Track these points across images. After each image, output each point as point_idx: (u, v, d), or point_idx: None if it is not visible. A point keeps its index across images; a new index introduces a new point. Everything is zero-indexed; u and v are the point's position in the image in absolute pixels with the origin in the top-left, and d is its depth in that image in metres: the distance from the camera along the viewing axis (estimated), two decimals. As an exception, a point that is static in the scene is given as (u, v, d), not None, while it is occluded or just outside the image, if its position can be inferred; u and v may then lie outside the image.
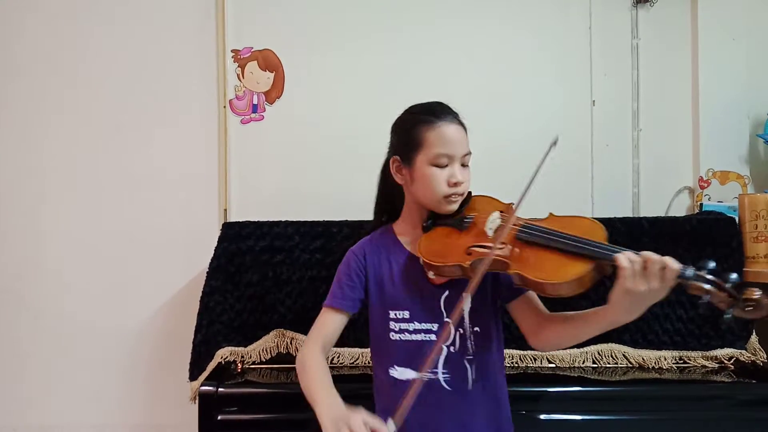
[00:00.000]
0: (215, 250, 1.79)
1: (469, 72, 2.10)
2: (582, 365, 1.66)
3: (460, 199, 1.17)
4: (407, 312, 1.15)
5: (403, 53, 2.09)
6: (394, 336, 1.16)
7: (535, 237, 1.07)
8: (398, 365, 1.14)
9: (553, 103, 2.10)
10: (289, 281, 1.73)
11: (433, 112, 1.17)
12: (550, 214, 1.15)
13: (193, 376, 1.69)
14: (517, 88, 2.12)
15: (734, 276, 0.87)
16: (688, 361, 1.67)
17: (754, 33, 2.06)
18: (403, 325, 1.15)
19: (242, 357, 1.68)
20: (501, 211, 1.16)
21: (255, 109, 2.10)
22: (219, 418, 1.48)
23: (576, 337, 1.09)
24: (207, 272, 1.77)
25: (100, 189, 2.09)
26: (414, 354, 1.12)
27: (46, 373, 2.08)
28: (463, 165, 1.17)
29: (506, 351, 1.65)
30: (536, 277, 1.01)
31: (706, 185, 2.04)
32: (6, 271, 2.09)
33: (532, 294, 1.14)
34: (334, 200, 1.99)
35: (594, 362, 1.66)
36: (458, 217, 1.17)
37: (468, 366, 1.13)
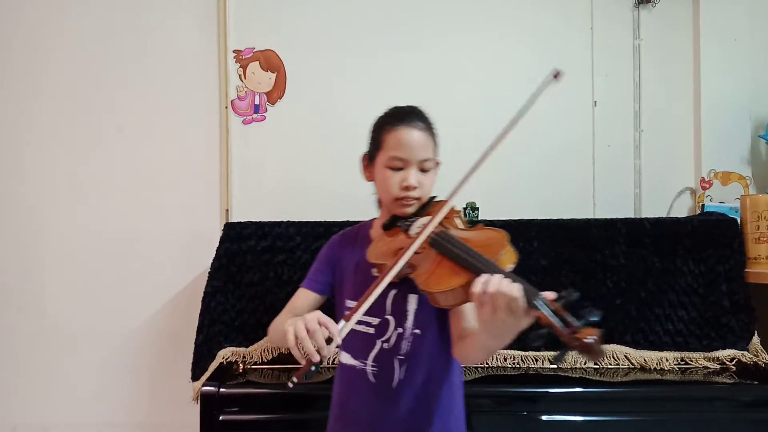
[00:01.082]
0: (217, 251, 1.79)
1: (470, 72, 2.10)
2: (584, 366, 1.66)
3: (415, 203, 1.18)
4: (356, 303, 1.17)
5: (404, 53, 2.09)
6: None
7: (441, 245, 1.05)
8: (344, 350, 1.20)
9: (555, 103, 2.10)
10: (291, 281, 1.73)
11: (398, 116, 1.19)
12: (480, 225, 1.15)
13: (194, 376, 1.69)
14: (517, 89, 2.12)
15: (594, 318, 0.81)
16: (690, 362, 1.66)
17: (756, 33, 2.06)
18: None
19: (244, 357, 1.69)
20: (431, 217, 1.13)
21: (257, 109, 2.10)
22: (221, 418, 1.49)
23: (473, 355, 1.06)
24: (209, 272, 1.77)
25: (101, 189, 2.09)
26: (353, 343, 1.17)
27: (47, 373, 2.09)
28: (423, 170, 1.17)
29: (508, 352, 1.66)
30: (422, 284, 1.00)
31: (707, 186, 2.04)
32: (7, 271, 2.09)
33: (466, 306, 1.09)
34: (335, 200, 1.99)
35: (595, 363, 1.66)
36: (411, 219, 1.18)
37: (397, 365, 1.14)
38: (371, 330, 1.16)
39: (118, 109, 2.10)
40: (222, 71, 2.08)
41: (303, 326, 0.95)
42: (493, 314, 0.86)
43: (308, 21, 2.10)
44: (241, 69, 2.09)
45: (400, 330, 1.15)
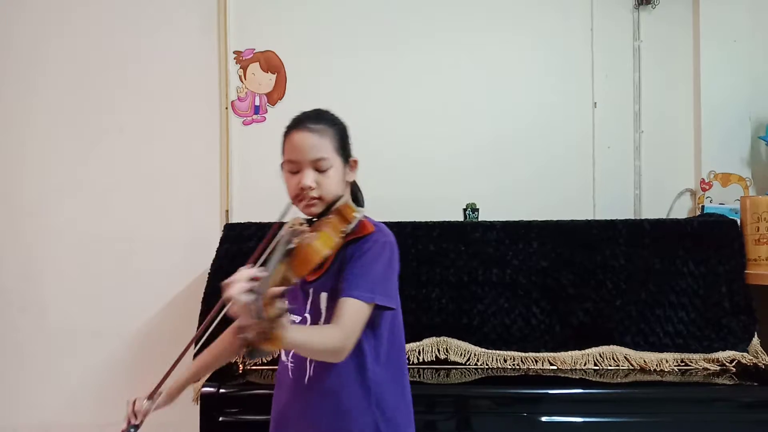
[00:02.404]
0: (217, 251, 1.79)
1: (471, 72, 2.11)
2: (584, 367, 1.65)
3: (317, 203, 1.18)
4: (288, 302, 1.18)
5: (404, 54, 2.10)
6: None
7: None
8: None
9: (555, 104, 2.11)
10: (291, 282, 1.72)
11: (292, 122, 1.23)
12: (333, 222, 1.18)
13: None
14: (518, 89, 2.12)
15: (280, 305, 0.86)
16: (690, 364, 1.66)
17: (756, 35, 2.06)
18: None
19: (243, 358, 1.68)
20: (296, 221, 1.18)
21: (257, 110, 2.10)
22: (220, 419, 1.49)
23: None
24: (209, 273, 1.77)
25: (102, 190, 2.09)
26: None
27: (47, 373, 2.09)
28: (319, 170, 1.18)
29: (508, 353, 1.66)
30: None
31: (707, 187, 2.04)
32: (7, 271, 2.10)
33: (341, 300, 1.10)
34: (335, 201, 1.99)
35: (595, 364, 1.66)
36: (314, 220, 1.20)
37: (308, 362, 1.15)
38: None
39: (119, 109, 2.10)
40: (222, 72, 2.08)
41: (237, 285, 0.94)
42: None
43: (308, 22, 2.10)
44: (242, 70, 2.09)
45: None
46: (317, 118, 1.22)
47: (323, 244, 1.09)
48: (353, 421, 1.15)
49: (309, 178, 1.17)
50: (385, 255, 1.14)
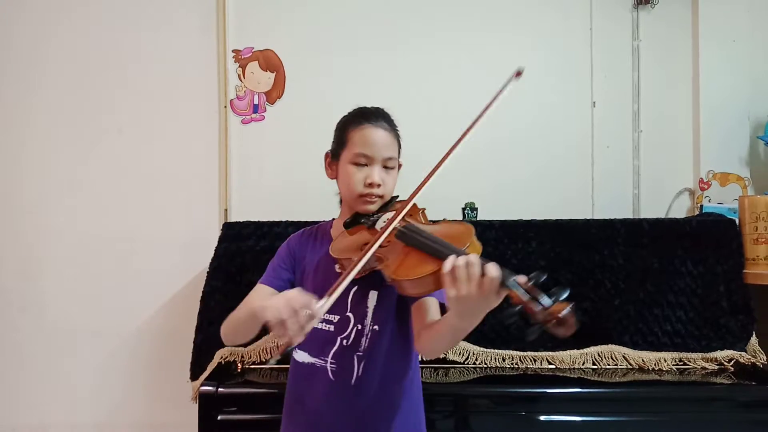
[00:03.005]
0: (216, 250, 1.79)
1: (470, 72, 2.10)
2: (582, 366, 1.66)
3: (378, 201, 1.19)
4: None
5: (404, 53, 2.10)
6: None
7: (407, 237, 1.06)
8: (300, 349, 1.19)
9: (554, 103, 2.11)
10: (290, 281, 1.72)
11: (364, 115, 1.22)
12: (444, 219, 1.16)
13: (193, 376, 1.69)
14: (517, 89, 2.11)
15: (564, 294, 0.84)
16: (688, 363, 1.67)
17: (755, 35, 2.06)
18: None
19: (242, 357, 1.68)
20: (395, 212, 1.15)
21: (256, 109, 2.10)
22: (219, 417, 1.48)
23: (438, 343, 1.05)
24: (207, 272, 1.77)
25: (101, 189, 2.09)
26: (313, 341, 1.16)
27: (47, 372, 2.09)
28: (386, 168, 1.20)
29: (506, 352, 1.66)
30: (392, 274, 1.01)
31: (706, 187, 2.04)
32: (7, 270, 2.09)
33: (429, 300, 1.11)
34: (334, 200, 1.98)
35: (594, 363, 1.66)
36: (374, 216, 1.19)
37: (356, 362, 1.14)
38: (331, 327, 1.17)
39: (118, 108, 2.10)
40: (221, 71, 2.08)
41: (286, 306, 0.92)
42: (467, 291, 0.87)
43: (307, 21, 2.10)
44: (240, 69, 2.09)
45: (359, 327, 1.16)
46: (386, 117, 1.23)
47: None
48: (402, 418, 1.16)
49: (379, 175, 1.18)
50: None
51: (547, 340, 1.69)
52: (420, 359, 1.63)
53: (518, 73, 1.11)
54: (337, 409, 1.15)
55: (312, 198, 2.05)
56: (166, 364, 2.06)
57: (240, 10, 2.09)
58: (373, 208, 1.19)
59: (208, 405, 1.49)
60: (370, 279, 1.12)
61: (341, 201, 1.30)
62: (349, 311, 1.16)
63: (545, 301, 0.83)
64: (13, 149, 2.10)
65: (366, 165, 1.18)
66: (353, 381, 1.14)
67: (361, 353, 1.15)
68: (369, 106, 1.25)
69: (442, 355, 1.66)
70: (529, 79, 2.10)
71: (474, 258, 0.88)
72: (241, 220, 1.83)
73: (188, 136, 2.09)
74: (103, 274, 2.08)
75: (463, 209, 1.94)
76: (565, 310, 0.81)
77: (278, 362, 1.68)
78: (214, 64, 2.08)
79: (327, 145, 2.06)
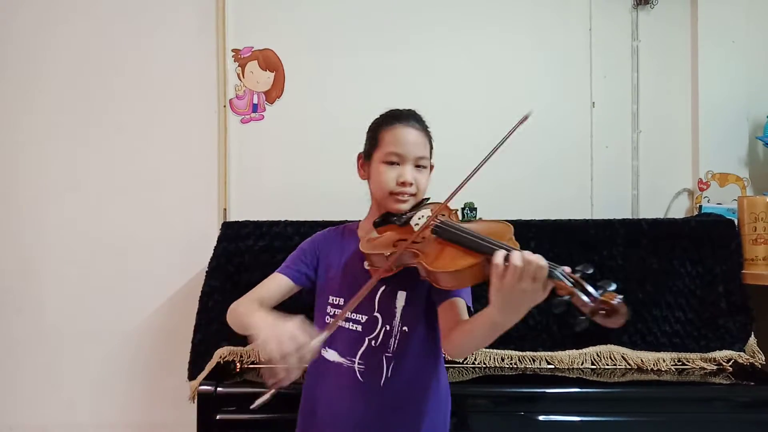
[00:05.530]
0: (215, 250, 1.79)
1: (470, 72, 2.11)
2: (581, 366, 1.66)
3: (410, 200, 1.20)
4: (342, 299, 1.20)
5: (404, 53, 2.09)
6: (328, 320, 1.20)
7: (446, 232, 1.07)
8: (330, 347, 1.18)
9: (553, 104, 2.11)
10: (289, 281, 1.72)
11: (395, 116, 1.23)
12: (480, 219, 1.16)
13: (192, 376, 1.69)
14: (517, 89, 2.12)
15: (612, 287, 0.85)
16: (687, 363, 1.67)
17: (754, 35, 2.07)
18: (337, 311, 1.19)
19: (241, 356, 1.68)
20: (432, 210, 1.17)
21: (255, 108, 2.10)
22: (218, 417, 1.48)
23: (472, 340, 1.04)
24: (206, 272, 1.77)
25: (100, 188, 2.09)
26: (341, 341, 1.17)
27: (45, 373, 2.08)
28: (418, 168, 1.21)
29: (505, 351, 1.66)
30: (429, 266, 1.01)
31: (705, 187, 2.04)
32: (6, 270, 2.09)
33: (458, 300, 1.11)
34: (333, 200, 1.99)
35: (593, 363, 1.66)
36: (404, 216, 1.20)
37: (385, 363, 1.14)
38: (359, 327, 1.17)
39: (117, 107, 2.09)
40: (220, 70, 2.08)
41: (291, 341, 0.90)
42: (516, 283, 0.87)
43: (307, 20, 2.10)
44: (240, 68, 2.09)
45: (387, 327, 1.15)
46: (418, 119, 1.25)
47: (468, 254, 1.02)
48: (430, 419, 1.16)
49: (411, 173, 1.19)
50: None
51: (546, 340, 1.70)
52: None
53: (525, 118, 1.15)
54: (365, 410, 1.14)
55: (312, 198, 2.06)
56: (164, 364, 2.05)
57: (239, 9, 2.09)
58: (404, 207, 1.19)
59: (206, 404, 1.49)
60: (399, 279, 1.11)
61: (372, 202, 1.29)
62: (377, 311, 1.16)
63: (593, 291, 0.85)
64: (12, 149, 2.10)
65: (398, 164, 1.19)
66: (382, 382, 1.14)
67: (390, 354, 1.14)
68: (401, 108, 1.26)
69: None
70: (528, 79, 2.12)
71: (526, 253, 0.89)
72: (240, 220, 1.83)
73: (187, 136, 2.09)
74: (102, 273, 2.07)
75: (462, 209, 1.93)
76: (617, 299, 0.82)
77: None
78: (214, 63, 2.08)
79: (326, 144, 2.09)
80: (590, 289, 0.85)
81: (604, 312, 0.82)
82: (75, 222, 2.08)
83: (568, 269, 0.88)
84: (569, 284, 0.86)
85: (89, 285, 2.07)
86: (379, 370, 1.14)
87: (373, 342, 1.15)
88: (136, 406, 2.08)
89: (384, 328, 1.15)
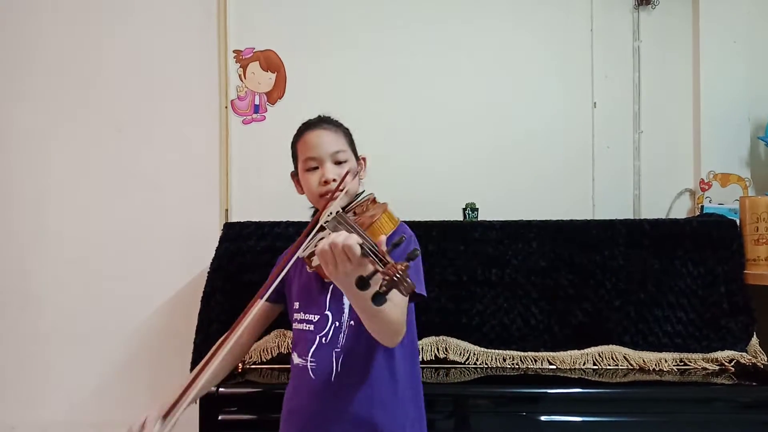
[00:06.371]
0: (216, 250, 1.79)
1: (471, 73, 2.11)
2: (582, 367, 1.66)
3: (338, 194, 1.20)
4: (298, 303, 1.24)
5: (404, 55, 2.09)
6: (294, 324, 1.25)
7: (333, 227, 1.07)
8: (293, 350, 1.23)
9: (555, 104, 2.11)
10: (290, 281, 1.72)
11: (305, 126, 1.29)
12: (385, 205, 1.17)
13: (193, 376, 1.69)
14: (518, 90, 2.12)
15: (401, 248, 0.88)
16: (689, 363, 1.67)
17: (755, 35, 2.07)
18: (297, 315, 1.24)
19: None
20: (342, 208, 1.17)
21: (257, 109, 2.10)
22: (220, 417, 1.48)
23: (368, 327, 1.07)
24: (208, 272, 1.77)
25: (101, 189, 2.09)
26: (298, 342, 1.21)
27: (45, 372, 2.09)
28: (339, 163, 1.23)
29: (507, 352, 1.66)
30: (313, 264, 1.04)
31: (707, 187, 2.04)
32: (7, 270, 2.09)
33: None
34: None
35: (594, 364, 1.66)
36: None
37: (334, 358, 1.15)
38: (312, 327, 1.19)
39: (118, 108, 2.10)
40: (222, 71, 2.08)
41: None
42: (334, 268, 0.92)
43: (308, 21, 2.10)
44: (241, 69, 2.09)
45: (337, 323, 1.18)
46: (327, 119, 1.29)
47: (389, 219, 1.09)
48: (389, 412, 1.16)
49: (331, 170, 1.21)
50: (416, 246, 1.19)
51: (548, 340, 1.70)
52: (421, 358, 1.64)
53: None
54: (323, 408, 1.15)
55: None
56: (166, 364, 2.05)
57: (241, 10, 2.09)
58: (339, 204, 1.19)
59: (208, 405, 1.49)
60: None
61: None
62: (327, 309, 1.19)
63: (388, 259, 0.87)
64: (12, 148, 2.10)
65: (317, 168, 1.23)
66: (333, 378, 1.15)
67: (339, 349, 1.16)
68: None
69: (442, 355, 1.67)
70: (529, 80, 2.12)
71: (335, 236, 0.92)
72: (241, 221, 1.83)
73: (189, 136, 2.09)
74: (103, 274, 2.08)
75: (464, 210, 1.94)
76: (402, 266, 0.83)
77: (278, 362, 1.68)
78: (215, 64, 2.08)
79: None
80: (388, 258, 0.87)
81: (386, 281, 0.83)
82: (76, 222, 2.09)
83: (383, 246, 0.90)
84: (373, 259, 0.88)
85: (90, 285, 2.08)
86: (329, 366, 1.15)
87: (323, 339, 1.17)
88: (138, 406, 2.07)
89: (334, 325, 1.18)
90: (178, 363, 1.84)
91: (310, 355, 1.17)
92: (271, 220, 1.81)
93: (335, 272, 0.93)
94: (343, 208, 1.19)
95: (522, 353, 1.67)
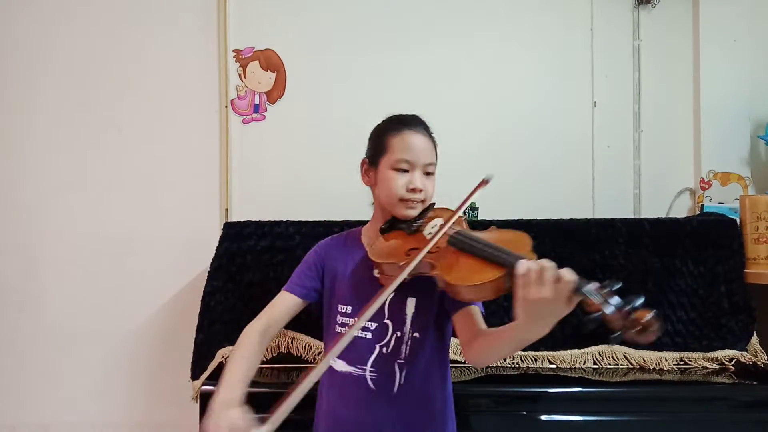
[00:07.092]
0: (216, 250, 1.79)
1: (471, 72, 2.11)
2: (583, 366, 1.66)
3: (418, 206, 1.19)
4: (350, 307, 1.19)
5: (404, 54, 2.09)
6: (338, 329, 1.20)
7: (463, 243, 1.06)
8: (338, 357, 1.16)
9: (555, 103, 2.11)
10: (291, 281, 1.72)
11: (402, 121, 1.22)
12: (493, 227, 1.15)
13: (194, 376, 1.69)
14: (518, 89, 2.12)
15: (640, 301, 0.82)
16: (689, 363, 1.67)
17: (756, 34, 2.07)
18: (346, 320, 1.19)
19: (243, 357, 1.68)
20: (443, 218, 1.16)
21: (256, 108, 2.10)
22: (220, 417, 1.48)
23: (496, 351, 1.05)
24: (208, 272, 1.77)
25: (101, 188, 2.09)
26: (350, 349, 1.12)
27: (46, 372, 2.09)
28: (426, 174, 1.20)
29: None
30: (450, 279, 1.00)
31: (707, 186, 2.04)
32: (7, 271, 2.09)
33: (474, 308, 1.13)
34: (335, 200, 1.99)
35: (595, 363, 1.66)
36: (413, 223, 1.19)
37: (397, 369, 1.14)
38: (369, 335, 1.16)
39: (118, 108, 2.10)
40: (222, 70, 2.08)
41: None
42: (539, 295, 0.85)
43: (308, 21, 2.10)
44: (241, 68, 2.09)
45: (398, 333, 1.15)
46: (424, 124, 1.23)
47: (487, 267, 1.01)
48: (441, 424, 1.18)
49: (421, 180, 1.18)
50: None
51: (548, 339, 1.70)
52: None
53: (485, 182, 1.18)
54: (380, 418, 1.13)
55: (313, 197, 2.07)
56: (167, 364, 2.05)
57: (241, 9, 2.09)
58: (413, 213, 1.19)
59: (209, 404, 1.49)
60: (409, 286, 1.09)
61: (376, 207, 1.28)
62: (387, 318, 1.16)
63: (623, 306, 0.82)
64: (13, 148, 2.10)
65: (407, 171, 1.17)
66: (395, 389, 1.14)
67: (402, 361, 1.14)
68: (404, 113, 1.25)
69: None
70: (529, 79, 2.12)
71: (547, 262, 0.87)
72: (241, 220, 1.83)
73: (189, 136, 2.09)
74: (104, 273, 2.08)
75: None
76: (648, 317, 0.80)
77: (279, 362, 1.68)
78: (215, 63, 2.08)
79: (327, 144, 2.09)
80: (619, 304, 0.83)
81: (635, 330, 0.81)
82: (77, 221, 2.08)
83: (595, 285, 0.85)
84: (597, 301, 0.84)
85: (91, 284, 2.08)
86: (392, 377, 1.14)
87: (384, 349, 1.15)
88: (139, 405, 2.09)
89: (395, 335, 1.15)
90: (178, 363, 1.84)
91: (369, 364, 1.14)
92: (271, 219, 1.81)
93: (536, 299, 0.86)
94: (417, 218, 1.19)
95: (522, 352, 1.67)
